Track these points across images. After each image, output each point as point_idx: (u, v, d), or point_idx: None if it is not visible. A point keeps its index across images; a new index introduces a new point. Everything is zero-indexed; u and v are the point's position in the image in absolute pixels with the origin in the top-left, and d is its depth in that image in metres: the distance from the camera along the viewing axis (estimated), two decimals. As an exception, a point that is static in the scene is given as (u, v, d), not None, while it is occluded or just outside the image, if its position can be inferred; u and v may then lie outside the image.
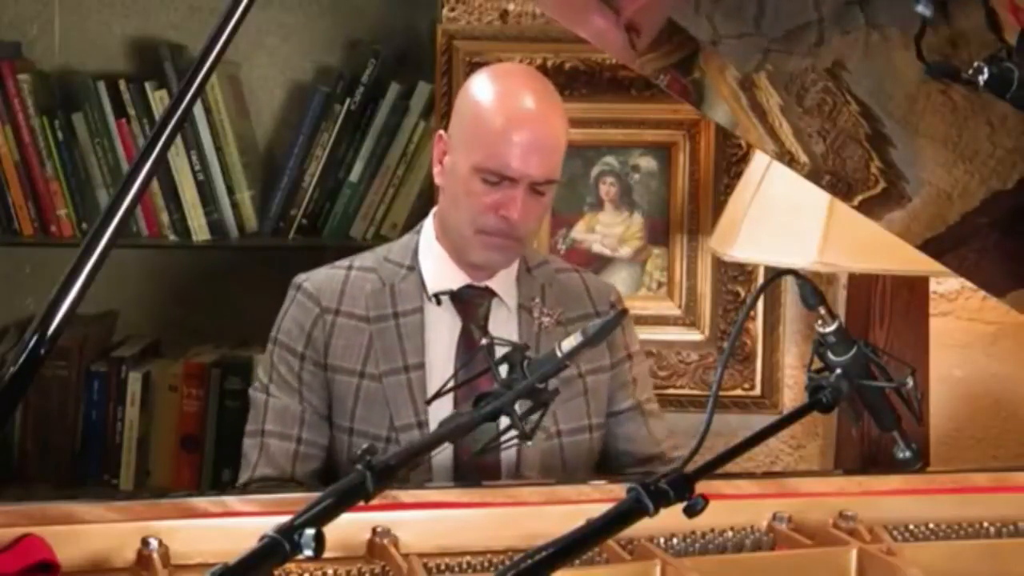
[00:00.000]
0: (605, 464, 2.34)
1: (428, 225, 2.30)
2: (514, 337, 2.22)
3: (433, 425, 2.13)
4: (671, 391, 2.98)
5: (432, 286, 2.25)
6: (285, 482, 2.21)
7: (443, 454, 2.16)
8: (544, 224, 2.96)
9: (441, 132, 2.26)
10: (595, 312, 2.31)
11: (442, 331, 2.24)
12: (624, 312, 1.66)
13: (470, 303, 2.25)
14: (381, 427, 2.21)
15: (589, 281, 2.39)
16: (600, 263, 2.98)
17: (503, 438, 1.51)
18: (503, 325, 2.25)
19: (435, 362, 2.22)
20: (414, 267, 2.26)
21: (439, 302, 2.25)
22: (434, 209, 2.32)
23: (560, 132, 2.20)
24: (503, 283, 2.27)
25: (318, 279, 2.29)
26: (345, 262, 2.32)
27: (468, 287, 2.25)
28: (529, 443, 1.54)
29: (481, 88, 2.21)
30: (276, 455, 2.22)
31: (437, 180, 2.26)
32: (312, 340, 2.24)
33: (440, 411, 2.07)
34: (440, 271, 2.25)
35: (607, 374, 2.31)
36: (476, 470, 2.19)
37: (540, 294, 2.29)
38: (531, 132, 2.16)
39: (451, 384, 1.70)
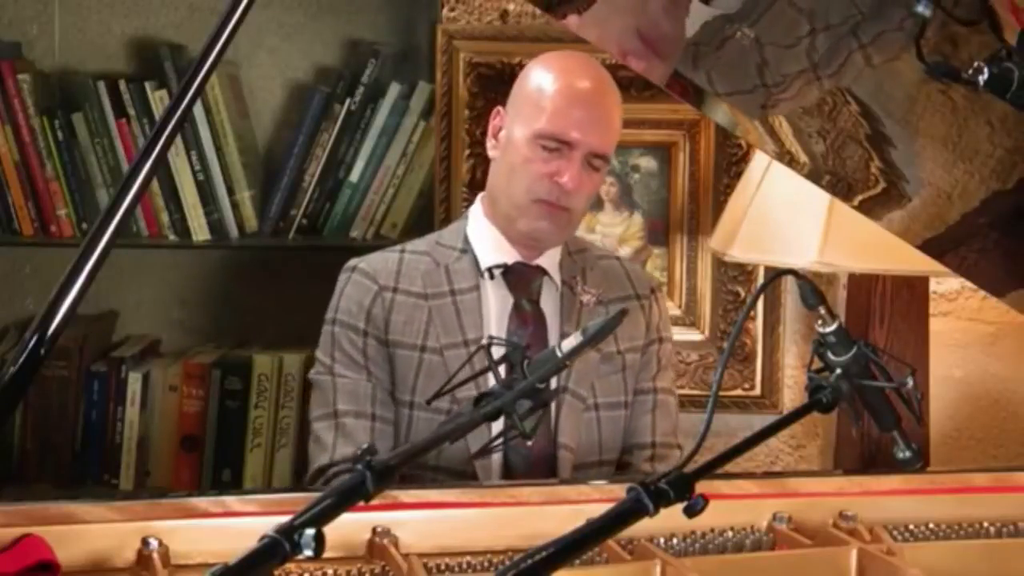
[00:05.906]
0: None
1: (476, 209, 2.36)
2: (557, 313, 2.29)
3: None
4: (671, 391, 2.98)
5: (485, 261, 2.30)
6: None
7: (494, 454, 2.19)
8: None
9: (499, 108, 2.32)
10: (635, 295, 2.37)
11: (496, 306, 2.29)
12: (625, 312, 1.66)
13: (522, 278, 2.30)
14: (443, 399, 2.21)
15: (629, 267, 2.45)
16: (600, 263, 2.98)
17: (502, 439, 1.52)
18: (549, 301, 2.31)
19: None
20: (467, 249, 2.32)
21: (492, 276, 2.29)
22: (480, 195, 2.37)
23: (617, 113, 2.29)
24: (550, 262, 2.33)
25: (373, 261, 2.34)
26: (397, 247, 2.37)
27: (520, 263, 2.30)
28: (528, 443, 1.54)
29: (545, 64, 2.30)
30: (355, 433, 2.23)
31: (491, 153, 2.33)
32: (372, 317, 2.27)
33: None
34: (492, 248, 2.31)
35: (639, 353, 2.35)
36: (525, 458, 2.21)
37: (581, 275, 2.34)
38: (592, 104, 2.25)
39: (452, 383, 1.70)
